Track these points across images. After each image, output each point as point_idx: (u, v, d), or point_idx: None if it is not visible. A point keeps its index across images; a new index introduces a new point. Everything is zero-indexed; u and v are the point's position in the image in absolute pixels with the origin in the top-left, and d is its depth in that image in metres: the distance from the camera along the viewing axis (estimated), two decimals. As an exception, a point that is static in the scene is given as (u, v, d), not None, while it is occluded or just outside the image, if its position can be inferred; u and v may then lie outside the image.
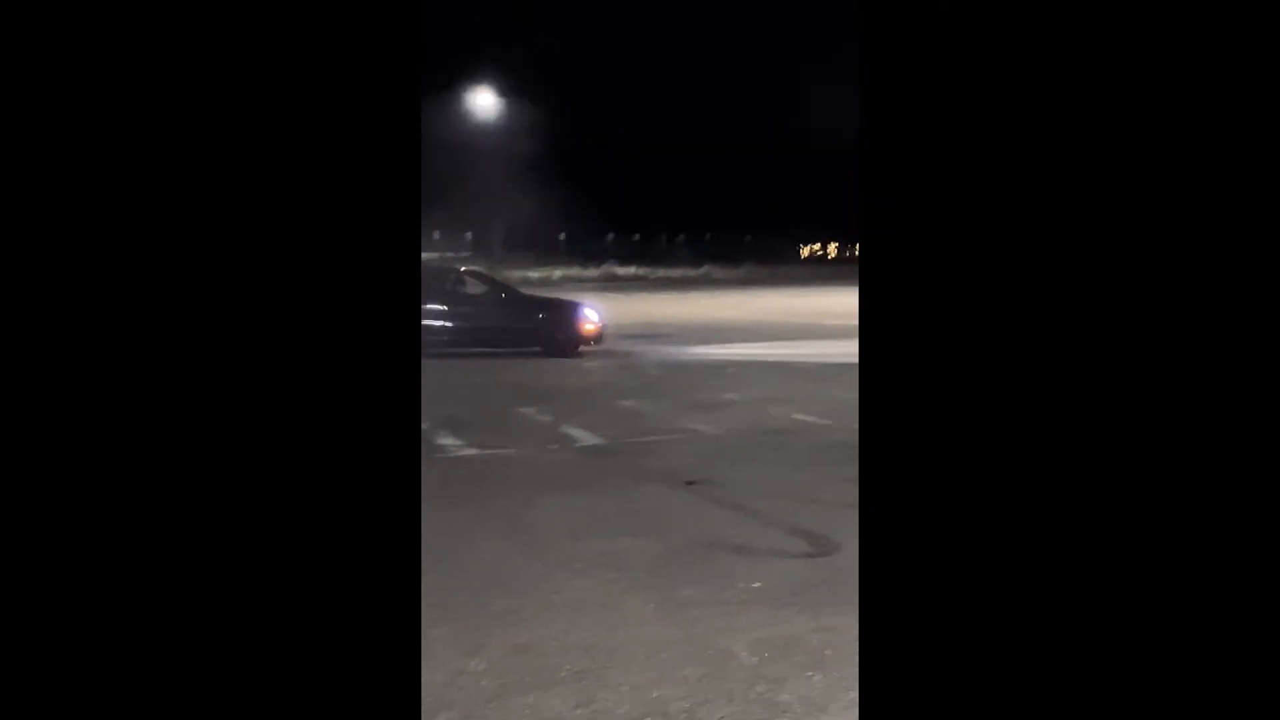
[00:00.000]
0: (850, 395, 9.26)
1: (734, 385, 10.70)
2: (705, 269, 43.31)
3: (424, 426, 7.05)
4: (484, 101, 42.14)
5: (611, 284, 30.28)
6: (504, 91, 42.47)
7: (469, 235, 47.26)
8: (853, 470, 5.86)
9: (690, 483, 6.25)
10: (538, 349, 13.29)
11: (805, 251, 59.64)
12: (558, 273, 36.26)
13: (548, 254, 44.47)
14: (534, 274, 33.43)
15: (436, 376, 8.02)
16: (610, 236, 56.06)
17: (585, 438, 7.91)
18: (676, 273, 34.15)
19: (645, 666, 3.44)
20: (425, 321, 11.93)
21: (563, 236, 51.73)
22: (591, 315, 13.88)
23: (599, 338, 13.81)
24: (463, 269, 16.29)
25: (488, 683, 3.27)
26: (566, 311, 14.09)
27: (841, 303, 18.09)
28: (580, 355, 13.47)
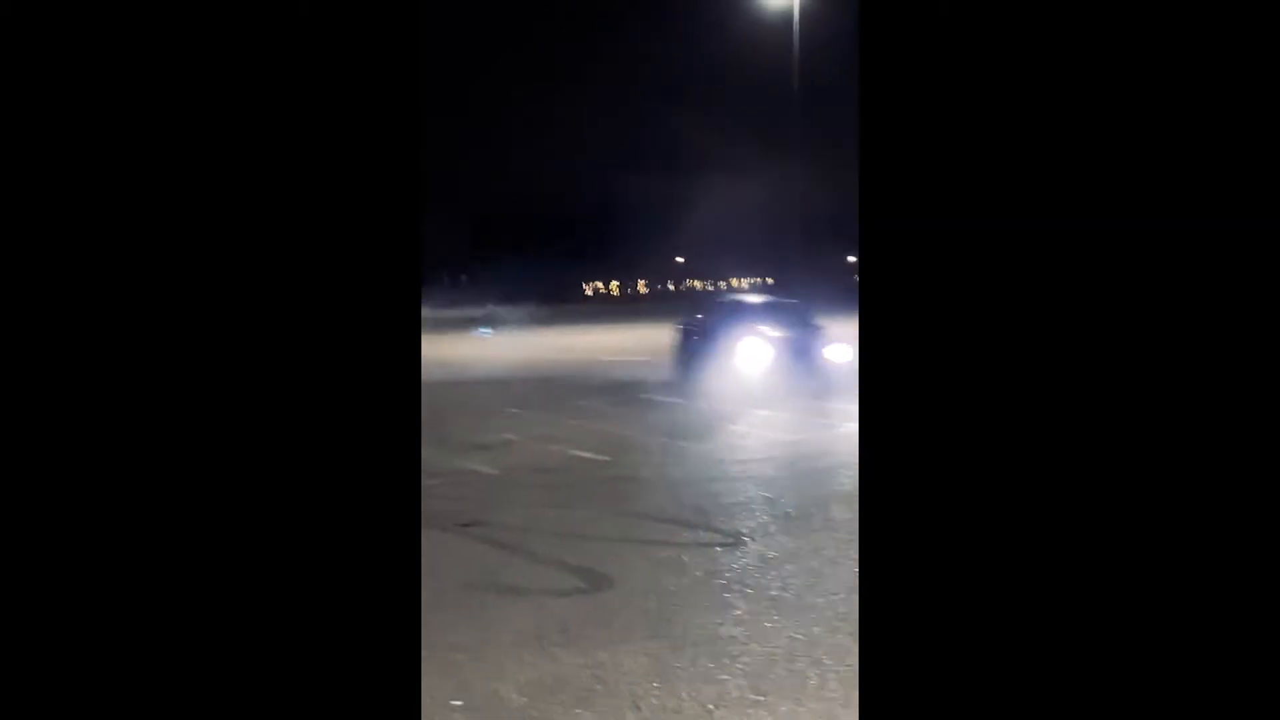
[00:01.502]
0: (626, 432, 9.39)
1: (512, 425, 10.67)
2: (489, 309, 43.11)
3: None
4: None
5: None
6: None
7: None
8: (628, 505, 5.97)
9: (465, 525, 6.17)
10: None
11: (589, 289, 60.34)
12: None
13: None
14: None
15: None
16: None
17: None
18: (463, 314, 33.84)
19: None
20: None
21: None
22: None
23: None
24: None
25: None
26: None
27: (619, 340, 18.46)
28: None
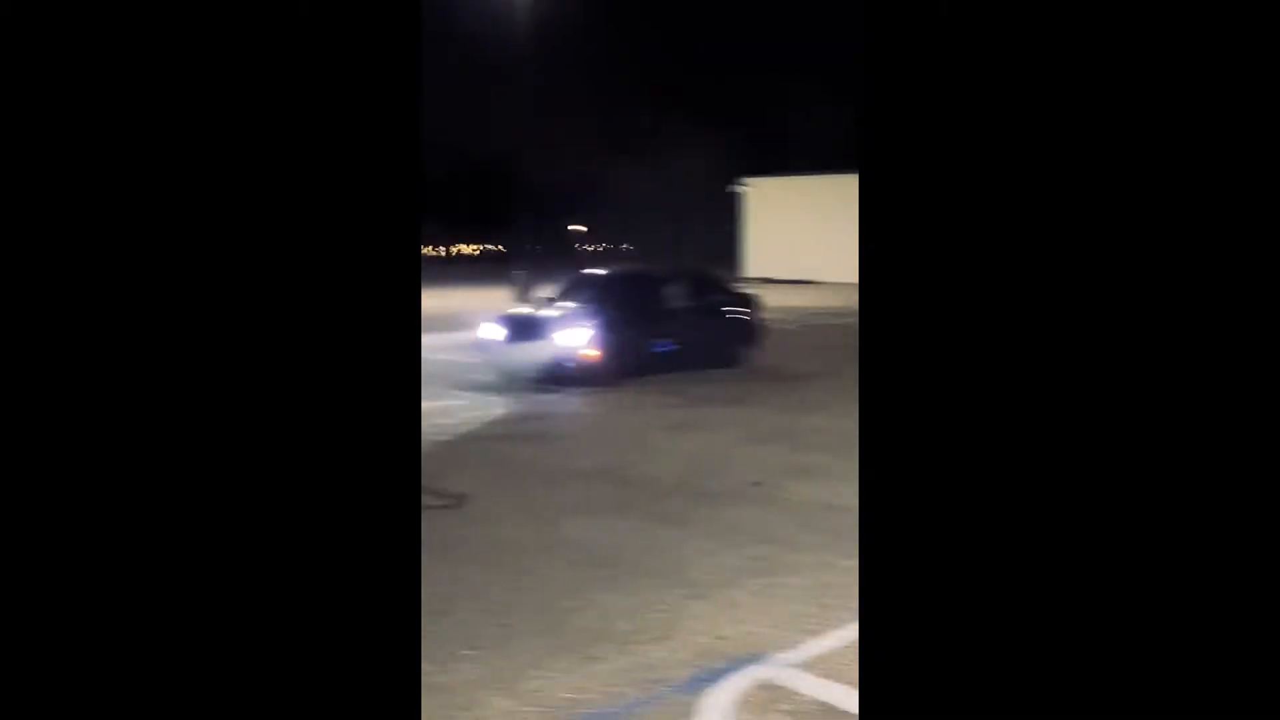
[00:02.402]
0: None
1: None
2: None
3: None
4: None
5: None
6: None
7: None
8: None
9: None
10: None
11: (447, 252, 59.19)
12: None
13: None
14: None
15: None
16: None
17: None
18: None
19: None
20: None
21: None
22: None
23: None
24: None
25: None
26: None
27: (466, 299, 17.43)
28: None
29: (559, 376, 9.78)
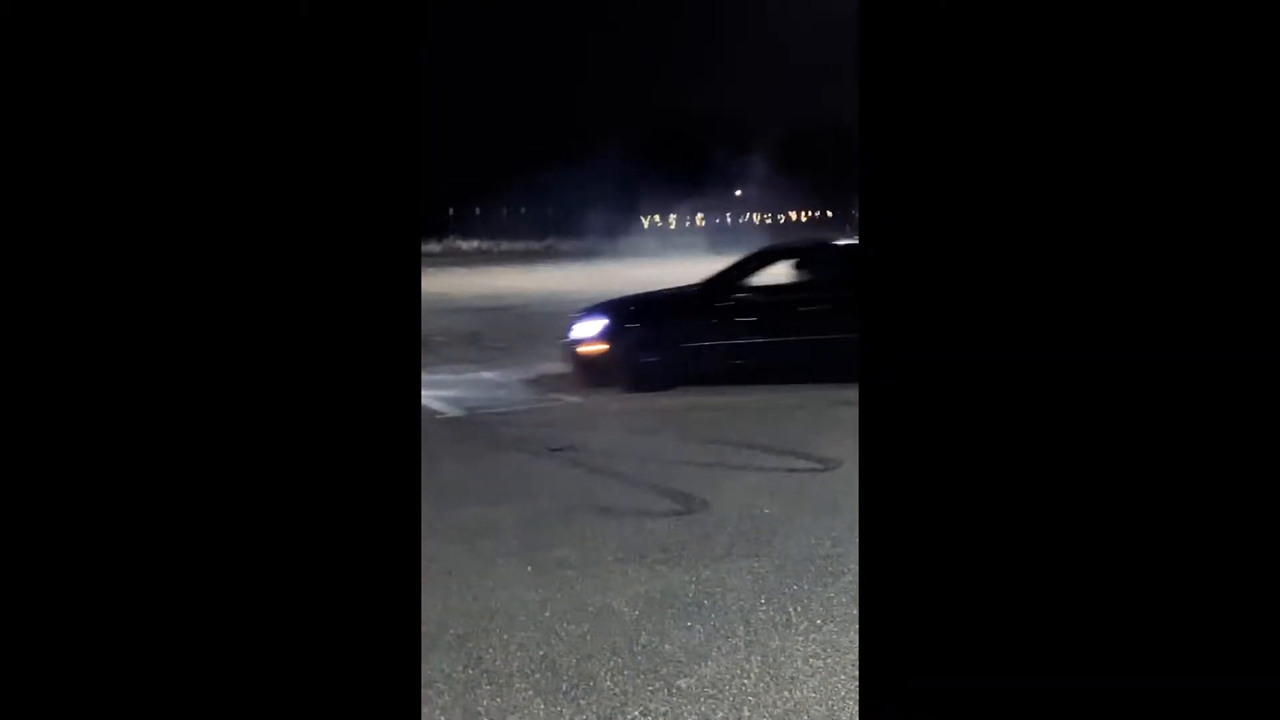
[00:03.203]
0: None
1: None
2: (549, 241, 43.13)
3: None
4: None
5: (455, 259, 29.80)
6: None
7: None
8: (714, 433, 6.01)
9: (555, 449, 6.30)
10: None
11: (646, 222, 59.94)
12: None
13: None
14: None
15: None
16: (450, 211, 55.12)
17: (446, 409, 7.85)
18: (520, 245, 33.89)
19: (528, 626, 3.49)
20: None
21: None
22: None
23: None
24: None
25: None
26: None
27: (680, 271, 18.42)
28: None
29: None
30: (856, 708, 2.86)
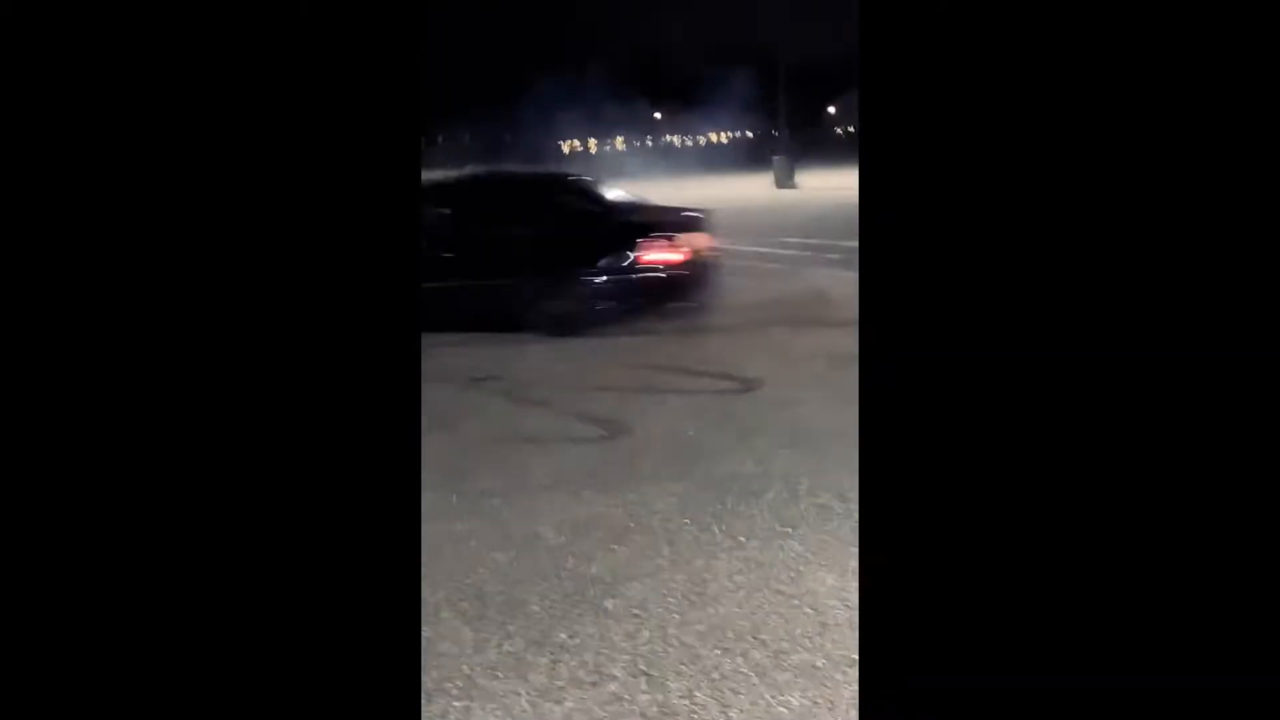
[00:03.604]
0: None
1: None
2: (496, 166, 42.56)
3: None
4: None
5: None
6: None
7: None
8: (647, 358, 6.04)
9: (477, 379, 6.29)
10: None
11: (566, 148, 59.39)
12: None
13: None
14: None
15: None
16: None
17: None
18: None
19: (456, 555, 3.51)
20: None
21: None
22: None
23: None
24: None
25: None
26: None
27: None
28: None
29: None
30: (777, 621, 2.96)
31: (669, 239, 7.66)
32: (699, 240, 7.93)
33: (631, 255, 7.61)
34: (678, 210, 8.54)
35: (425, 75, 1.73)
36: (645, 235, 7.65)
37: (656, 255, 7.60)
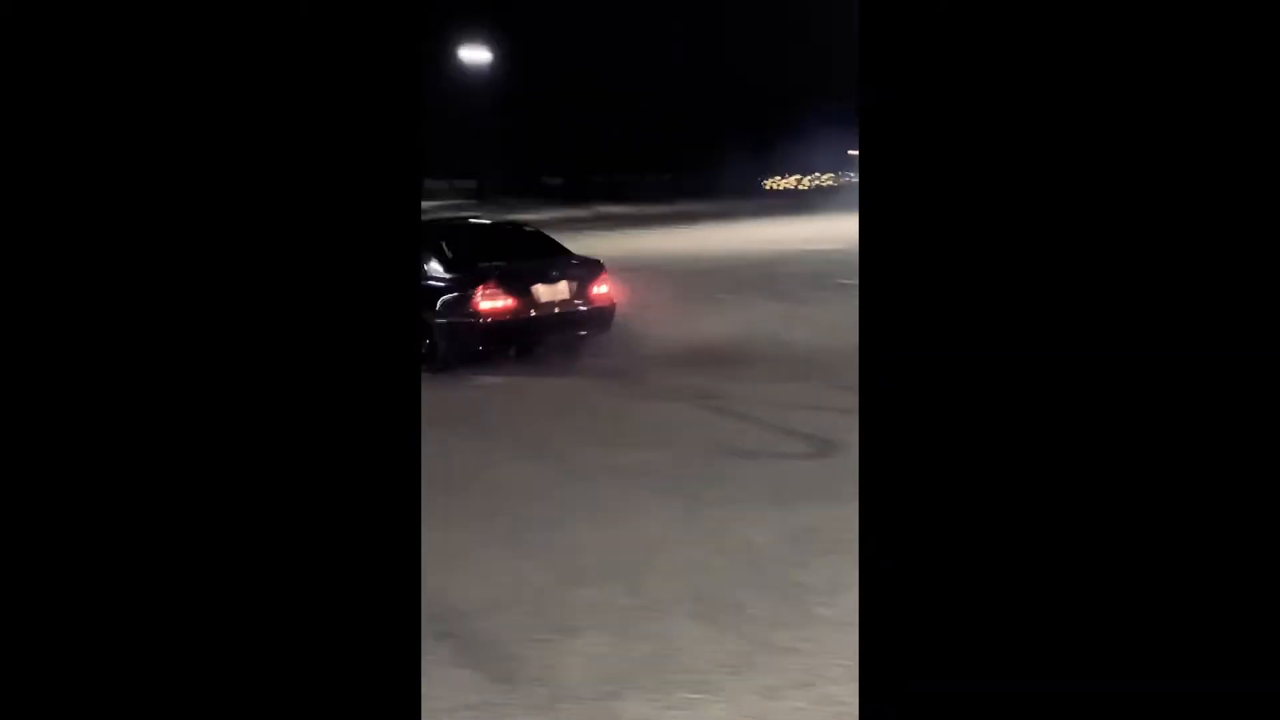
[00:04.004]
0: (832, 316, 9.46)
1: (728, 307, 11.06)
2: (679, 205, 43.21)
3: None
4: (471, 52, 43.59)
5: (608, 223, 29.81)
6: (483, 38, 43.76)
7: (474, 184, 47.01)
8: (846, 380, 6.10)
9: (699, 398, 6.64)
10: None
11: (769, 185, 58.63)
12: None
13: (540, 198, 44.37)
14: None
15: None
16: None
17: (594, 364, 8.20)
18: (655, 210, 34.16)
19: (681, 558, 3.87)
20: None
21: (559, 181, 51.67)
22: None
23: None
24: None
25: (542, 579, 3.71)
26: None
27: (812, 230, 18.15)
28: None
29: None
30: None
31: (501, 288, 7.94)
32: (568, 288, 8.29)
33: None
34: (566, 259, 8.74)
35: (425, 75, 1.75)
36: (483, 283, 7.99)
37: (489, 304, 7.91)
